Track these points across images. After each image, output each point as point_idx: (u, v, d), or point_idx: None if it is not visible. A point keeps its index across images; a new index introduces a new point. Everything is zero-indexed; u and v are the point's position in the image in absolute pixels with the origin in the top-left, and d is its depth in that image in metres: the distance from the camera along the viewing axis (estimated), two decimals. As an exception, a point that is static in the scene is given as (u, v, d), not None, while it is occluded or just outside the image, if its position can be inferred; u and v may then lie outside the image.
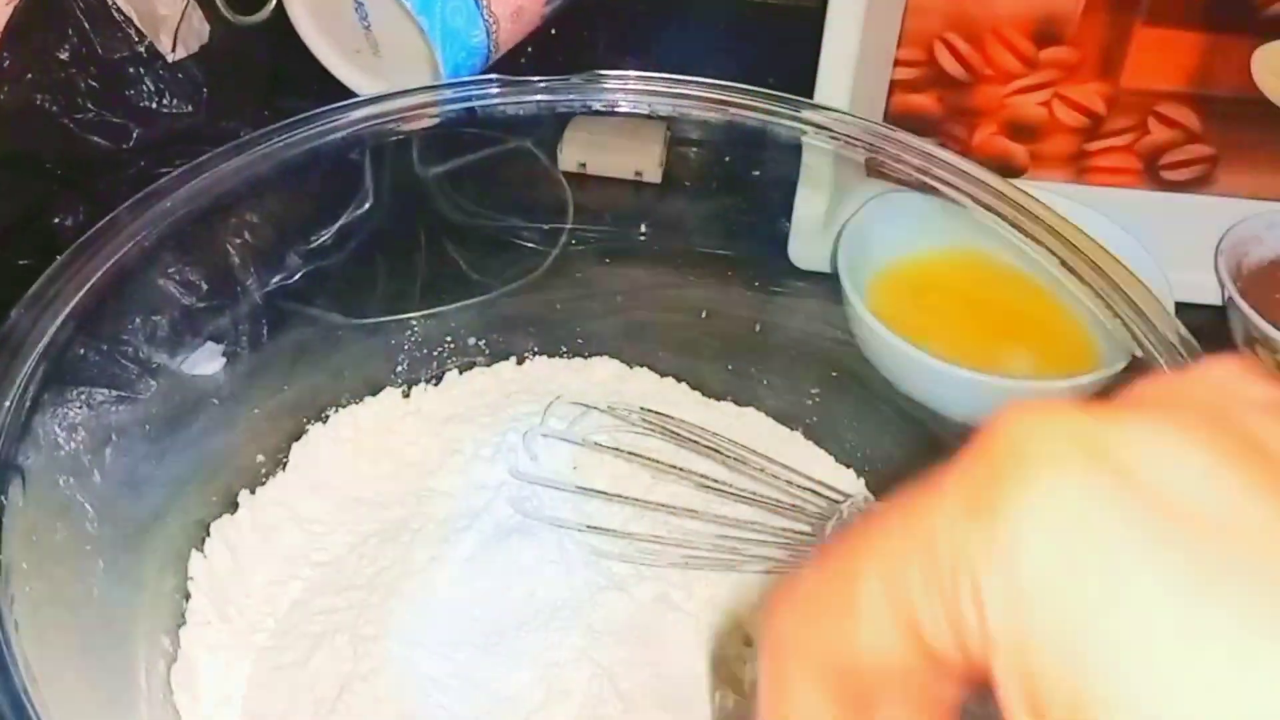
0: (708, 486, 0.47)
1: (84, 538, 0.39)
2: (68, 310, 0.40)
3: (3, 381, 0.37)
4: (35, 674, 0.31)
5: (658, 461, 0.50)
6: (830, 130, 0.51)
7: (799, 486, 0.45)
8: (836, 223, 0.59)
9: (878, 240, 0.57)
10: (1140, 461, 0.17)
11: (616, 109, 0.51)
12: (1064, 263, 0.46)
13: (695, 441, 0.49)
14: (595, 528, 0.48)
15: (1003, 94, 0.63)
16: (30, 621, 0.33)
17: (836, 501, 0.43)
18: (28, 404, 0.37)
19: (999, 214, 0.49)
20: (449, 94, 0.51)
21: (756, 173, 0.60)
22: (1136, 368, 0.43)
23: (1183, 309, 0.56)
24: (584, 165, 0.68)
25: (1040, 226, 0.47)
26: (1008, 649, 0.17)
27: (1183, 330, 0.43)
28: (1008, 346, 0.54)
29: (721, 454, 0.48)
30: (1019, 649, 0.17)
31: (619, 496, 0.49)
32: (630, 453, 0.50)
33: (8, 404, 0.37)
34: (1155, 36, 0.60)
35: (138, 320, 0.47)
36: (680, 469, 0.49)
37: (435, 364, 0.57)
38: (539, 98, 0.51)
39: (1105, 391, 0.46)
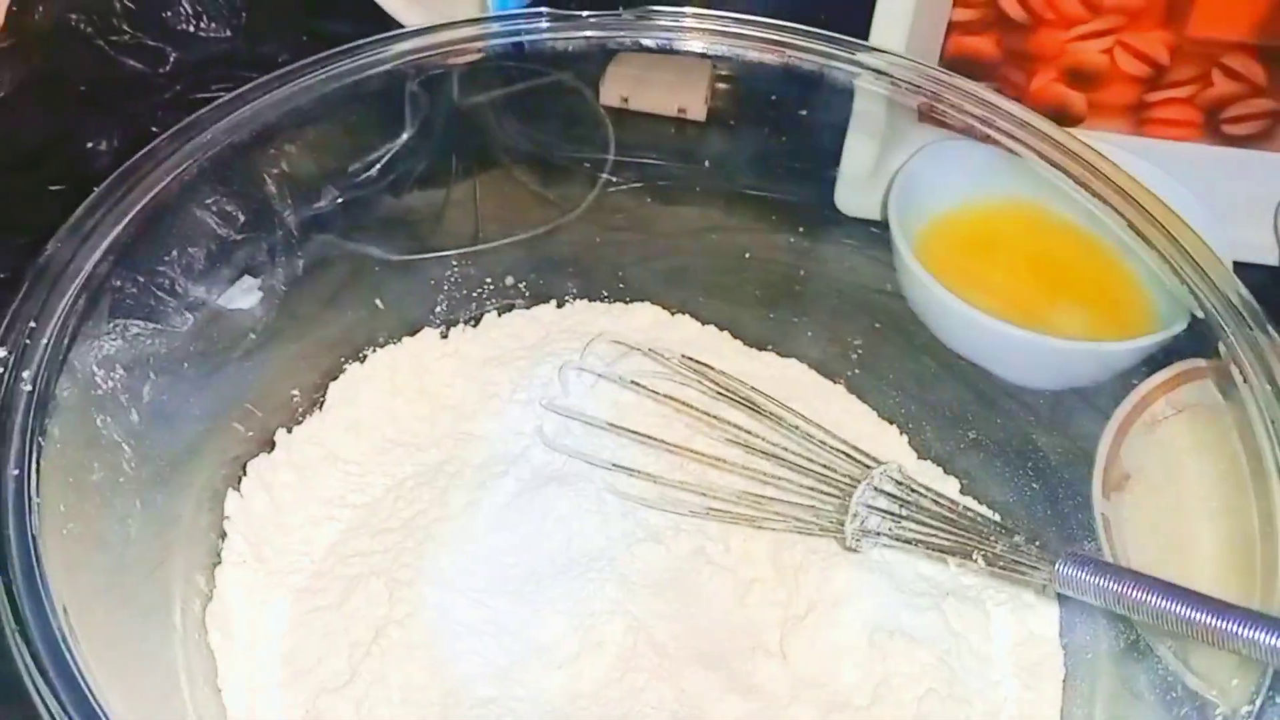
0: (739, 441, 0.47)
1: (121, 476, 0.39)
2: (106, 243, 0.40)
3: (41, 315, 0.37)
4: (72, 614, 0.31)
5: (694, 408, 0.49)
6: (887, 75, 0.49)
7: (831, 448, 0.44)
8: (885, 170, 0.57)
9: (929, 190, 0.55)
10: None
11: (669, 47, 0.50)
12: (1126, 220, 0.44)
13: (732, 394, 0.48)
14: (620, 466, 0.47)
15: (1063, 39, 0.61)
16: (67, 561, 0.33)
17: (868, 467, 0.42)
18: (66, 340, 0.37)
19: (1059, 166, 0.47)
20: (496, 28, 0.49)
21: (804, 112, 0.58)
22: (1196, 329, 0.42)
23: (1239, 269, 0.54)
24: (626, 100, 0.66)
25: (1102, 181, 0.46)
26: None
27: (1244, 292, 0.41)
28: (1061, 304, 0.53)
29: (758, 408, 0.47)
30: None
31: (650, 438, 0.48)
32: (667, 397, 0.49)
33: (46, 340, 0.36)
34: (1225, -16, 0.58)
35: (175, 253, 0.46)
36: (715, 418, 0.48)
37: (474, 305, 0.56)
38: (589, 33, 0.50)
39: (1161, 355, 0.46)
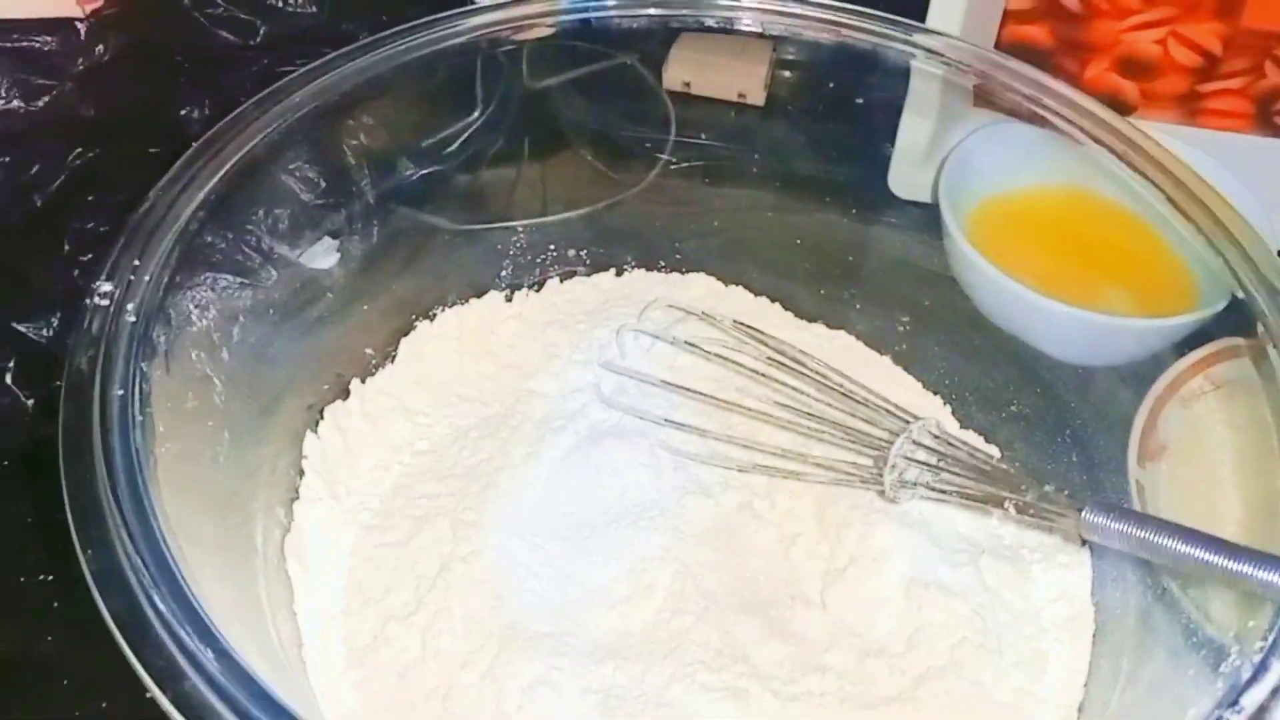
0: (785, 402, 0.49)
1: (212, 409, 0.42)
2: (200, 197, 0.43)
3: (143, 258, 0.40)
4: (172, 523, 0.34)
5: (745, 368, 0.51)
6: (941, 55, 0.51)
7: (873, 405, 0.46)
8: (939, 152, 0.59)
9: (980, 171, 0.57)
10: None
11: (730, 26, 0.52)
12: (1170, 199, 0.46)
13: (782, 355, 0.50)
14: (673, 422, 0.50)
15: (1118, 29, 0.62)
16: (164, 475, 0.36)
17: (906, 422, 0.44)
18: (164, 281, 0.40)
19: (1108, 147, 0.49)
20: (566, 4, 0.52)
21: (860, 100, 0.60)
22: (1236, 309, 0.43)
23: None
24: (688, 85, 0.69)
25: (1149, 162, 0.47)
26: None
27: (1285, 272, 0.43)
28: (1106, 284, 0.54)
29: (805, 369, 0.49)
30: None
31: (702, 394, 0.51)
32: (720, 357, 0.52)
33: (148, 278, 0.39)
34: (1281, -24, 0.59)
35: (261, 212, 0.49)
36: (765, 377, 0.50)
37: (538, 271, 0.59)
38: (653, 11, 0.52)
39: (1200, 332, 0.47)
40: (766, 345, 0.50)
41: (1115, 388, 0.50)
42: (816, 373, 0.48)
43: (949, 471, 0.42)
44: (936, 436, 0.43)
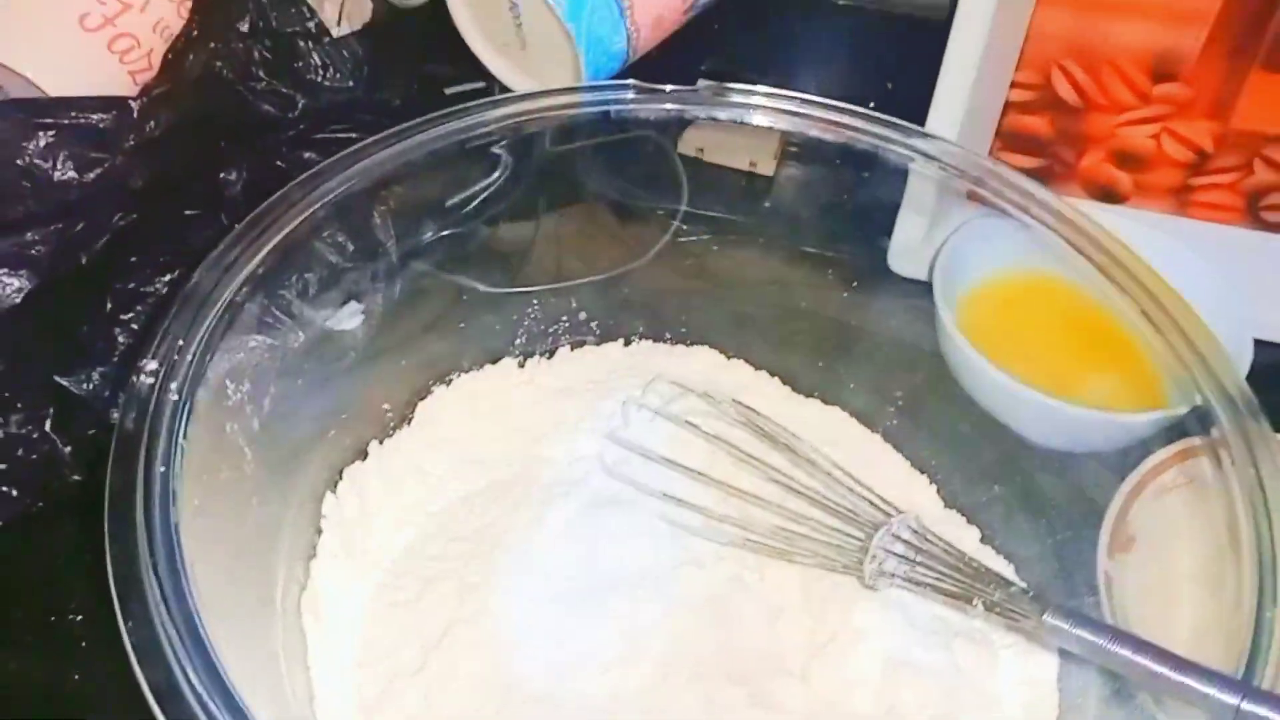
0: (777, 480, 0.52)
1: (242, 476, 0.45)
2: (244, 274, 0.46)
3: (189, 333, 0.43)
4: (201, 594, 0.37)
5: (739, 450, 0.54)
6: (937, 160, 0.54)
7: (858, 494, 0.49)
8: (936, 238, 0.62)
9: (973, 258, 0.60)
10: None
11: (741, 120, 0.55)
12: (1142, 309, 0.49)
13: (775, 438, 0.53)
14: (671, 496, 0.53)
15: (1114, 123, 0.65)
16: (198, 548, 0.39)
17: (888, 515, 0.48)
18: (206, 357, 0.43)
19: (1088, 256, 0.51)
20: (588, 96, 0.55)
21: (866, 174, 0.63)
22: (1199, 411, 0.46)
23: (1266, 347, 0.58)
24: (701, 151, 0.72)
25: (1124, 272, 0.50)
26: None
27: (1242, 382, 0.45)
28: (1087, 372, 0.57)
29: (796, 453, 0.52)
30: None
31: (699, 474, 0.54)
32: (715, 437, 0.55)
33: (190, 356, 0.42)
34: (1270, 81, 0.61)
35: (294, 278, 0.52)
36: (757, 459, 0.53)
37: (550, 339, 0.62)
38: (669, 105, 0.55)
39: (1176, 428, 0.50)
40: (761, 428, 0.53)
41: (1094, 476, 0.53)
42: (808, 458, 0.51)
43: (924, 565, 0.45)
44: (915, 532, 0.46)
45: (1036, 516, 0.54)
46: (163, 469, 0.39)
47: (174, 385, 0.41)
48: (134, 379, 0.41)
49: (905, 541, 0.46)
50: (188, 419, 0.41)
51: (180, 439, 0.40)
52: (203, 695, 0.34)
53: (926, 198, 0.59)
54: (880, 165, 0.56)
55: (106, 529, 0.37)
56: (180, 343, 0.43)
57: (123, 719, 0.47)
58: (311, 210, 0.48)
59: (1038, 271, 0.59)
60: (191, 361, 0.42)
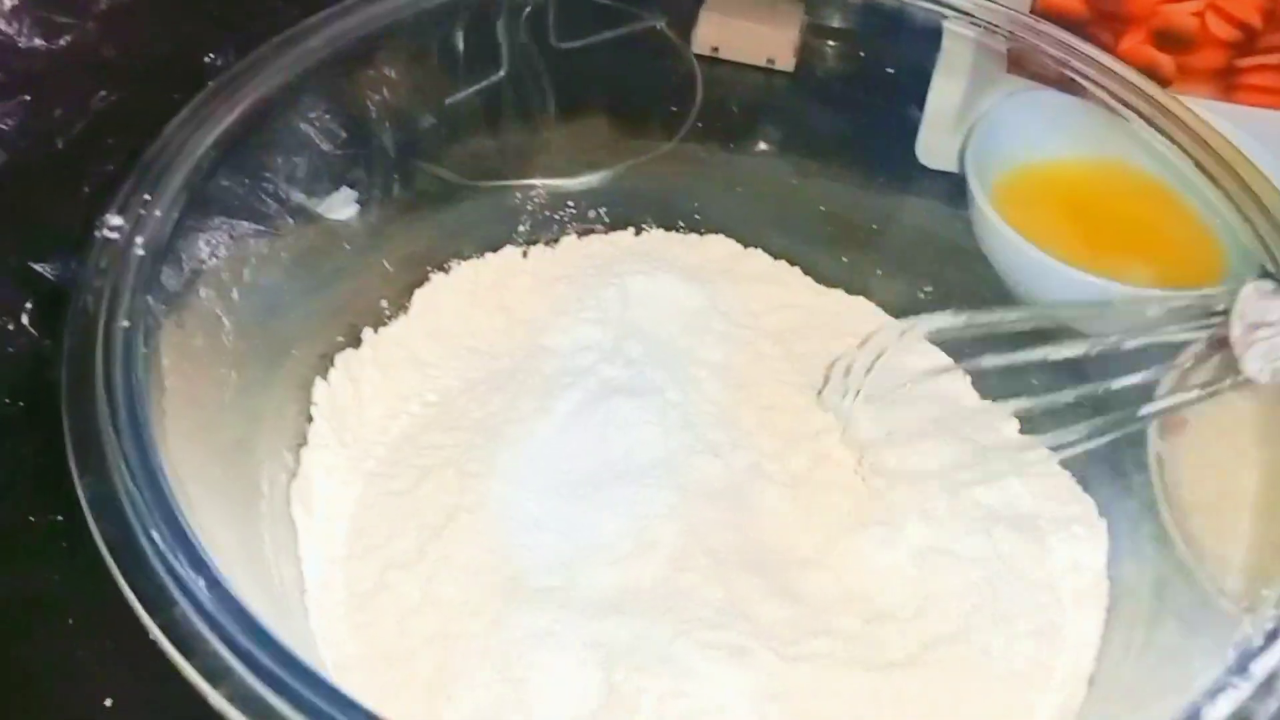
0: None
1: (220, 349, 0.42)
2: (214, 137, 0.43)
3: (154, 193, 0.40)
4: (177, 464, 0.34)
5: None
6: (973, 16, 0.50)
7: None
8: (969, 120, 0.58)
9: (1009, 139, 0.56)
10: None
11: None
12: (1202, 167, 0.45)
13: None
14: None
15: (1155, 1, 0.61)
16: (167, 410, 0.36)
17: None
18: (175, 218, 0.40)
19: (1141, 114, 0.48)
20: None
21: (891, 69, 0.59)
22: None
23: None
24: (716, 50, 0.68)
25: (1181, 129, 0.47)
26: None
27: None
28: (1133, 255, 0.53)
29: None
30: None
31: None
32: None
33: (158, 213, 0.39)
34: (1327, -53, 0.58)
35: (279, 159, 0.49)
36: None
37: (555, 228, 0.58)
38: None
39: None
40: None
41: (1138, 360, 0.49)
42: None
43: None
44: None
45: (1078, 403, 0.50)
46: (125, 324, 0.36)
47: (140, 240, 0.38)
48: (95, 234, 0.38)
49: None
50: (154, 276, 0.38)
51: (146, 296, 0.37)
52: (165, 552, 0.31)
53: (961, 64, 0.55)
54: (909, 30, 0.52)
55: (64, 388, 0.34)
56: (147, 198, 0.39)
57: (106, 622, 0.45)
58: (289, 71, 0.45)
59: (1080, 152, 0.56)
60: (159, 218, 0.39)
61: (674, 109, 0.62)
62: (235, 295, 0.43)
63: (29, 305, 0.51)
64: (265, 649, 0.29)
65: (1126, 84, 0.49)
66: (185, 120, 0.42)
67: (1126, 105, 0.49)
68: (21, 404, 0.52)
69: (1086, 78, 0.50)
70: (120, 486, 0.32)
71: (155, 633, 0.29)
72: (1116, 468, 0.47)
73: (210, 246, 0.42)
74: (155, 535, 0.31)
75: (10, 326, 0.51)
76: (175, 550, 0.31)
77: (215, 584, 0.30)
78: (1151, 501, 0.44)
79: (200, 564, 0.30)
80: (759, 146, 0.63)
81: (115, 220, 0.38)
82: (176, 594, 0.30)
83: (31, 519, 0.49)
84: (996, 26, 0.50)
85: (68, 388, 0.34)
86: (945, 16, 0.51)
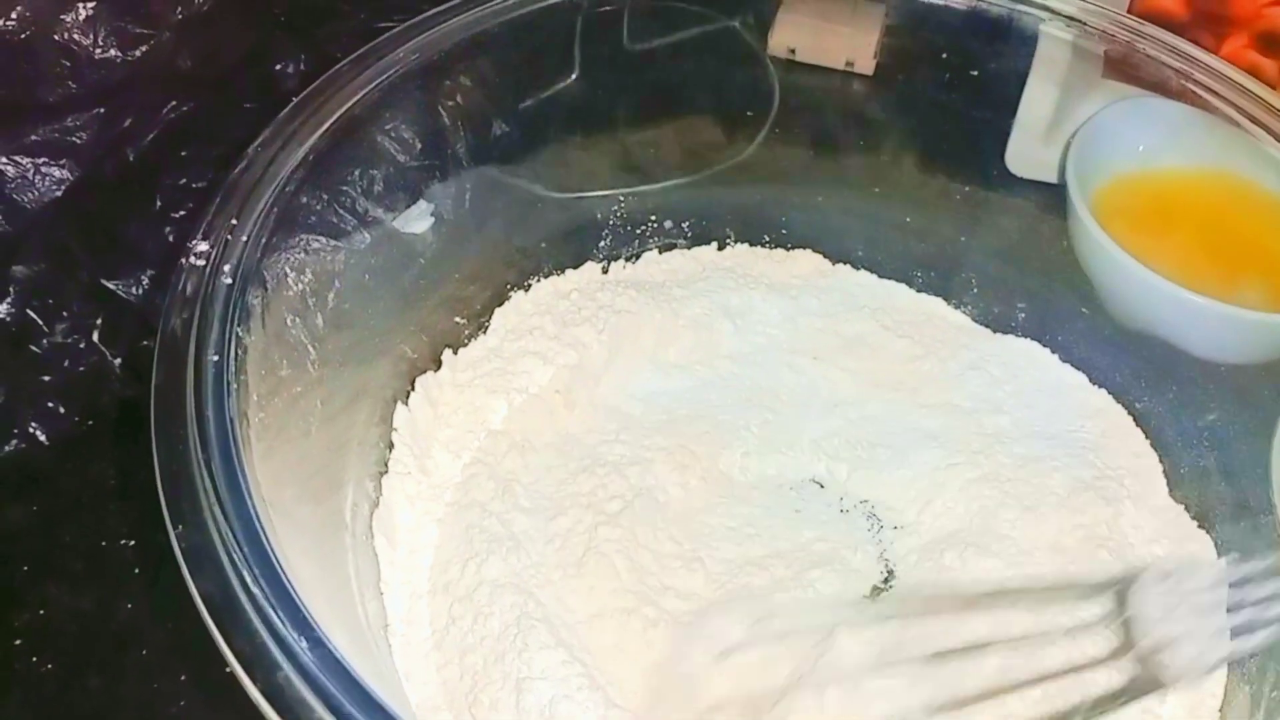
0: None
1: (305, 376, 0.40)
2: (299, 156, 0.41)
3: (240, 217, 0.38)
4: (267, 502, 0.32)
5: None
6: (1073, 18, 0.48)
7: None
8: (1060, 130, 0.56)
9: (1113, 149, 0.53)
10: None
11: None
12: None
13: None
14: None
15: (1260, 2, 0.59)
16: (257, 445, 0.34)
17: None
18: (262, 241, 0.38)
19: (1258, 121, 0.45)
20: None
21: (977, 71, 0.57)
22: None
23: None
24: (793, 52, 0.65)
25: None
26: None
27: None
28: (1248, 276, 0.50)
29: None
30: None
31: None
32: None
33: (245, 239, 0.38)
34: None
35: (357, 173, 0.47)
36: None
37: (636, 243, 0.56)
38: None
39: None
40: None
41: (1258, 388, 0.47)
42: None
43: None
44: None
45: (1195, 435, 0.48)
46: (215, 358, 0.34)
47: (227, 268, 0.37)
48: (183, 260, 0.36)
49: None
50: (242, 306, 0.36)
51: (235, 327, 0.35)
52: (265, 608, 0.29)
53: (1057, 70, 0.53)
54: (999, 34, 0.50)
55: (152, 425, 0.33)
56: (234, 222, 0.38)
57: (177, 651, 0.44)
58: (371, 86, 0.44)
59: (1189, 163, 0.53)
60: (246, 244, 0.38)
61: (750, 113, 0.60)
62: (319, 320, 0.42)
63: (99, 322, 0.50)
64: (368, 714, 0.28)
65: (1242, 90, 0.47)
66: (269, 139, 0.41)
67: (1241, 112, 0.46)
68: (91, 423, 0.51)
69: (1197, 83, 0.47)
70: (217, 538, 0.30)
71: (256, 696, 0.28)
72: (1238, 499, 0.45)
73: (295, 270, 0.41)
74: (255, 591, 0.29)
75: (81, 345, 0.49)
76: (276, 607, 0.29)
77: (318, 644, 0.29)
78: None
79: (303, 623, 0.29)
80: (839, 152, 0.61)
81: (202, 246, 0.37)
82: (279, 655, 0.28)
83: (103, 543, 0.48)
84: (1097, 28, 0.47)
85: (157, 428, 0.32)
86: (1042, 20, 0.48)
